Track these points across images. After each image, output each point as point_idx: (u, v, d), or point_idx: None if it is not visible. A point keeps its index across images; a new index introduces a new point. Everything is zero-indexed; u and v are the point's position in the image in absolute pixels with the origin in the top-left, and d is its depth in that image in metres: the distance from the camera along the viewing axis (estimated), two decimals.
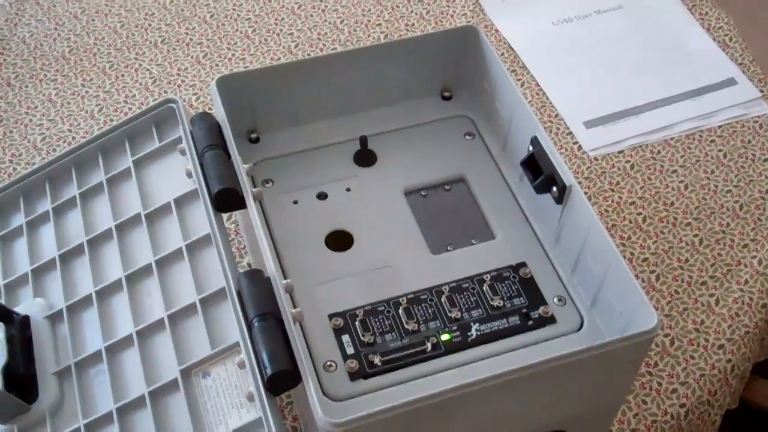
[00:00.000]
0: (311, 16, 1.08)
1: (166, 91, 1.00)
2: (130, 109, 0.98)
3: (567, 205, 0.68)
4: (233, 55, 1.03)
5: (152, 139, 0.76)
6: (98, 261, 0.71)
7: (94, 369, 0.66)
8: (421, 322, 0.67)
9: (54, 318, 0.70)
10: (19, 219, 0.77)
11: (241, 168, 0.68)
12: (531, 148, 0.70)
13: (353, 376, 0.64)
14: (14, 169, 0.93)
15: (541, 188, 0.69)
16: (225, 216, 0.86)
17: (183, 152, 0.72)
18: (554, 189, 0.68)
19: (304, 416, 0.70)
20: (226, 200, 0.68)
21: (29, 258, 0.74)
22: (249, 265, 0.83)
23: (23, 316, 0.69)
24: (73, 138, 0.96)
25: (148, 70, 1.02)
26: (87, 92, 1.00)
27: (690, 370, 0.76)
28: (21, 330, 0.68)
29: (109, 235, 0.72)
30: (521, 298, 0.68)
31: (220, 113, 0.72)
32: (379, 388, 0.63)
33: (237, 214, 0.86)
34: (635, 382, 0.75)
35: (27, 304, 0.71)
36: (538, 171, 0.69)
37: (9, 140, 0.96)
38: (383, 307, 0.67)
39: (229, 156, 0.70)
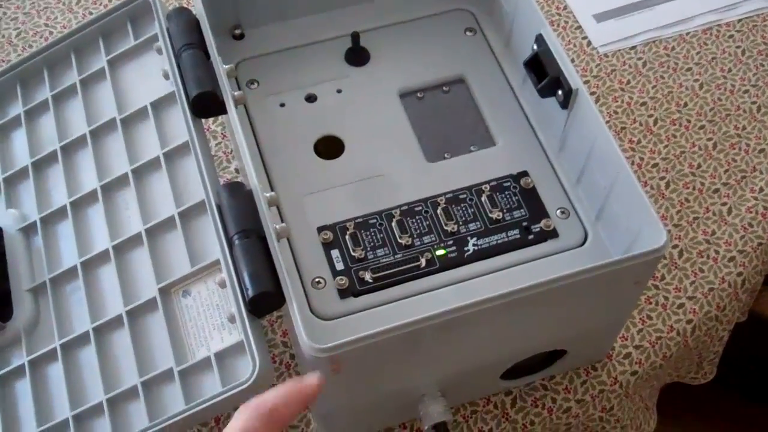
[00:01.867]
0: None
1: None
2: (110, 0, 0.92)
3: (573, 110, 0.63)
4: None
5: (127, 37, 0.71)
6: (72, 169, 0.67)
7: (69, 286, 0.62)
8: (415, 235, 0.63)
9: (28, 230, 0.66)
10: None
11: (221, 69, 0.63)
12: (535, 47, 0.65)
13: (343, 293, 0.60)
14: None
15: (546, 91, 0.64)
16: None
17: (160, 51, 0.67)
18: (559, 92, 0.63)
19: (292, 334, 0.67)
20: (205, 105, 0.63)
21: (1, 166, 0.70)
22: (236, 170, 0.78)
23: None
24: (50, 33, 0.90)
25: None
26: None
27: (698, 283, 0.72)
28: None
29: (84, 142, 0.67)
30: (522, 210, 0.64)
31: (198, 8, 0.67)
32: (370, 307, 0.60)
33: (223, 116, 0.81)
34: (640, 297, 0.71)
35: None
36: (543, 72, 0.64)
37: None
38: (375, 220, 0.63)
39: (208, 56, 0.65)
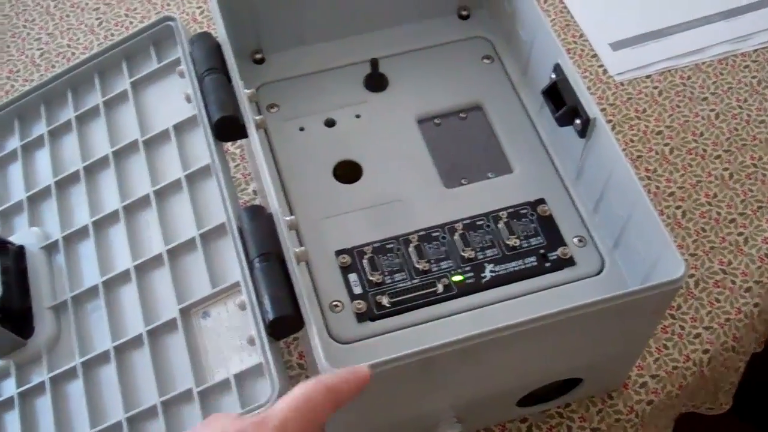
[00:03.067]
0: None
1: (168, 4, 0.95)
2: (131, 23, 0.94)
3: (590, 139, 0.63)
4: None
5: (150, 60, 0.72)
6: (95, 189, 0.68)
7: (91, 304, 0.63)
8: (433, 261, 0.63)
9: (50, 249, 0.67)
10: (14, 143, 0.74)
11: (243, 94, 0.64)
12: (553, 76, 0.66)
13: (360, 317, 0.61)
14: (12, 86, 0.89)
15: (563, 120, 0.65)
16: None
17: (182, 74, 0.68)
18: (577, 121, 0.63)
19: (309, 356, 0.68)
20: (227, 129, 0.64)
21: (24, 184, 0.71)
22: (254, 192, 0.79)
23: (18, 246, 0.66)
24: (73, 53, 0.92)
25: None
26: (87, 4, 0.95)
27: (715, 314, 0.72)
28: (16, 261, 0.65)
29: (106, 162, 0.68)
30: (539, 238, 0.64)
31: (221, 33, 0.68)
32: (387, 331, 0.60)
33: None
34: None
35: (22, 234, 0.68)
36: (561, 101, 0.65)
37: (6, 55, 0.92)
38: (393, 245, 0.64)
39: (230, 80, 0.66)
